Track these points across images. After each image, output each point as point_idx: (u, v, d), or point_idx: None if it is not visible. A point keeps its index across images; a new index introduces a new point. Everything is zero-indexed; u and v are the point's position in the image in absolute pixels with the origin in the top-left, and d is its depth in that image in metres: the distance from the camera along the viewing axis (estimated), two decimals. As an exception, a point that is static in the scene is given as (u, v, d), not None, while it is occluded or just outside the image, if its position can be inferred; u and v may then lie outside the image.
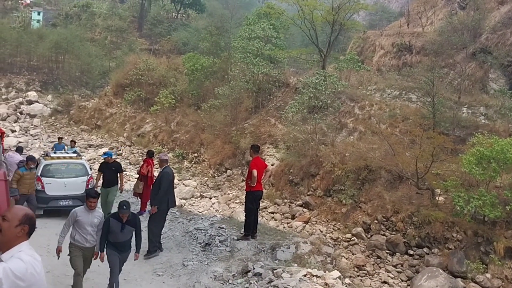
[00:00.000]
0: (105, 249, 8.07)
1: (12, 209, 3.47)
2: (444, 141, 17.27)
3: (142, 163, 15.73)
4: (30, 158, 12.81)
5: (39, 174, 14.10)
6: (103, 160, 13.96)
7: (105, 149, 30.47)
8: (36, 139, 33.28)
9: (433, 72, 21.34)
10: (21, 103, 41.17)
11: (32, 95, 42.85)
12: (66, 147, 21.16)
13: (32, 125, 37.22)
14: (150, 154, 15.66)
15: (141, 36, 61.37)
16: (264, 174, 10.95)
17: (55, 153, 16.52)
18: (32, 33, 51.68)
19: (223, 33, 37.51)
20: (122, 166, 20.09)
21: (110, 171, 13.28)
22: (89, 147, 31.20)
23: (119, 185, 13.57)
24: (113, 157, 21.53)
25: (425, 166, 16.61)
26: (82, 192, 14.02)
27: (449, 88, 24.87)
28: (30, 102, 41.38)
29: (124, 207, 7.87)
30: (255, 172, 10.38)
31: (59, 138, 22.20)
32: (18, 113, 39.46)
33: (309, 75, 26.90)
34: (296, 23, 31.93)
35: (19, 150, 16.07)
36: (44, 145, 31.46)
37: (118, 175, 13.49)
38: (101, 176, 13.49)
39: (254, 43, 29.25)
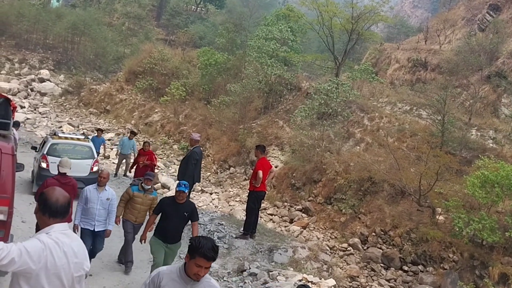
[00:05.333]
0: None
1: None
2: (450, 161, 17.23)
3: (145, 155, 15.26)
4: (149, 175, 9.54)
5: (45, 153, 14.21)
6: (168, 196, 9.49)
7: (109, 135, 30.50)
8: (44, 117, 33.38)
9: (446, 91, 21.28)
10: (33, 80, 41.26)
11: (45, 73, 42.94)
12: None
13: (41, 103, 37.32)
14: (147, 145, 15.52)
15: (158, 25, 61.36)
16: (268, 175, 11.01)
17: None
18: (51, 12, 51.76)
19: (240, 31, 37.48)
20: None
21: (180, 217, 8.07)
22: (96, 131, 31.27)
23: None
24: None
25: (428, 184, 16.57)
26: (86, 175, 14.11)
27: (461, 108, 24.79)
28: (42, 80, 41.46)
29: None
30: (260, 173, 10.46)
31: (98, 130, 21.83)
32: (29, 90, 39.56)
33: (322, 82, 26.87)
34: (314, 28, 31.87)
35: (16, 125, 15.38)
36: (52, 124, 31.57)
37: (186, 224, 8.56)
38: (154, 220, 8.56)
39: (270, 44, 29.24)
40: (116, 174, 20.03)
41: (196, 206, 9.11)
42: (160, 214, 8.24)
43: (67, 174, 9.07)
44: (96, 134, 21.43)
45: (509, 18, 33.67)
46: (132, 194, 9.27)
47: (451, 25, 40.22)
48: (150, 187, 9.33)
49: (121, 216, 9.34)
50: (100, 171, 9.49)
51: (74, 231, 8.26)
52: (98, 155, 20.59)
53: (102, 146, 20.93)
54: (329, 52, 30.82)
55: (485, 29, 34.61)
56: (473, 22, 37.80)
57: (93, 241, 8.76)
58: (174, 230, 8.07)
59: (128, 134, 21.17)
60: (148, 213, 9.29)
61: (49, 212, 3.34)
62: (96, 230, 8.70)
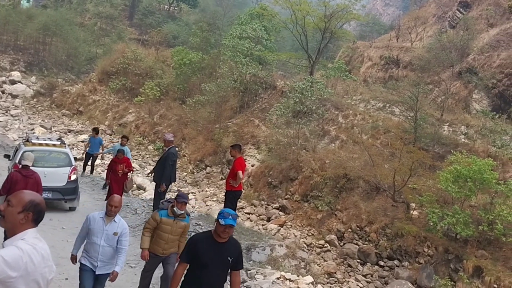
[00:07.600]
0: None
1: (19, 194, 3.38)
2: (423, 157, 17.49)
3: (121, 162, 14.09)
4: (183, 197, 7.61)
5: (17, 162, 13.15)
6: (201, 233, 6.15)
7: (84, 136, 29.97)
8: (16, 120, 32.83)
9: (418, 87, 21.58)
10: (4, 82, 40.54)
11: (16, 75, 42.21)
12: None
13: (13, 105, 36.67)
14: (122, 152, 14.57)
15: (131, 25, 60.82)
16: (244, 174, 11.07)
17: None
18: (21, 13, 50.89)
19: (214, 30, 37.46)
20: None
21: (223, 263, 5.25)
22: (69, 132, 30.86)
23: None
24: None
25: (402, 180, 16.80)
26: (64, 184, 13.15)
27: (433, 104, 25.18)
28: (13, 82, 40.75)
29: None
30: (240, 173, 10.46)
31: (94, 130, 19.79)
32: (0, 92, 38.91)
33: (297, 80, 27.01)
34: (287, 27, 32.05)
35: None
36: (24, 126, 31.07)
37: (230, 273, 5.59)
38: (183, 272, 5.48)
39: (244, 42, 29.27)
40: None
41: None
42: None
43: (29, 167, 9.21)
44: (92, 134, 19.92)
45: (478, 15, 34.32)
46: (160, 221, 7.42)
47: (422, 22, 40.81)
48: (183, 212, 7.46)
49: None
50: (110, 198, 6.87)
51: (72, 261, 6.91)
52: (97, 157, 19.93)
53: (100, 147, 19.55)
54: (303, 50, 31.02)
55: (456, 26, 35.23)
56: (443, 20, 38.46)
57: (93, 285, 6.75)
58: (214, 284, 5.26)
59: (120, 140, 17.86)
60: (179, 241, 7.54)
61: (37, 221, 3.34)
62: (97, 273, 6.65)
